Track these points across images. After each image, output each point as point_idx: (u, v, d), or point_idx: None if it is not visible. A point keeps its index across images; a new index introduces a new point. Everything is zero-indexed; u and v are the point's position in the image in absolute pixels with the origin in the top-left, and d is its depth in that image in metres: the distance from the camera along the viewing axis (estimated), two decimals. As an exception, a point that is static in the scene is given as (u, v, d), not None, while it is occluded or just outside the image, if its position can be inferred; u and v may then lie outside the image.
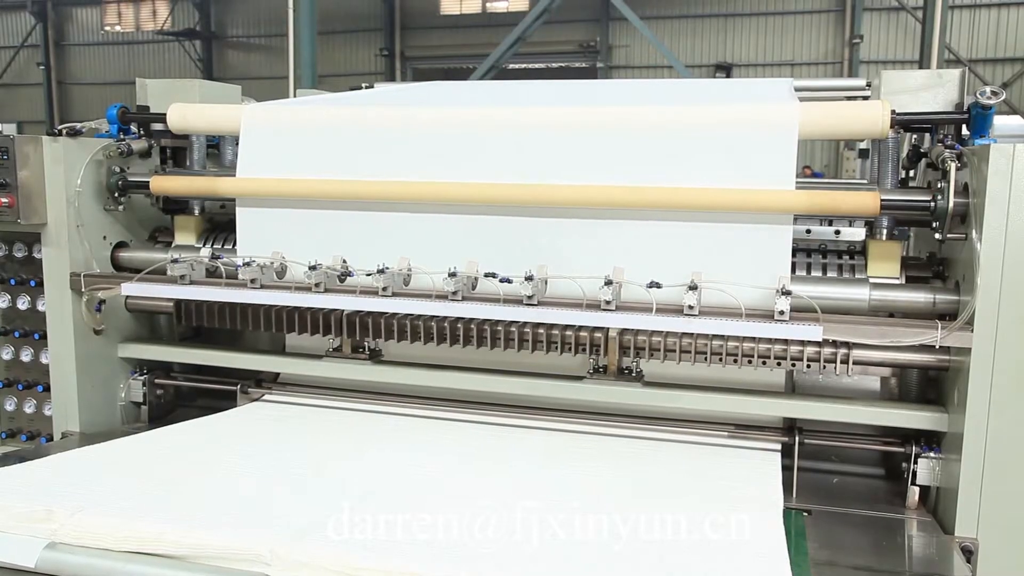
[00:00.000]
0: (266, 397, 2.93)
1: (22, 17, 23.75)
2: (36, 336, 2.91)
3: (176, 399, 3.15)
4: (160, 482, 2.10)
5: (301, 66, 11.60)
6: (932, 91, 2.60)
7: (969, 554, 2.10)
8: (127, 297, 2.88)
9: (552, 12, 14.13)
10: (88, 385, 2.89)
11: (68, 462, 2.29)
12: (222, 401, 2.94)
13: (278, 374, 2.98)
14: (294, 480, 2.16)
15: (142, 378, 3.03)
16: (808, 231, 2.64)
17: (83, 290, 2.81)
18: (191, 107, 2.93)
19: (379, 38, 21.09)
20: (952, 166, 2.19)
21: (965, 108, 2.46)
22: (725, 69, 18.66)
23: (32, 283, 2.89)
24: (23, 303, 2.92)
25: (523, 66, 18.70)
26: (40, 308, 2.88)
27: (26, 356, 2.95)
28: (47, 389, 2.91)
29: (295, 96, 4.15)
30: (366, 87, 3.59)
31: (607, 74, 19.16)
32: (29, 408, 2.97)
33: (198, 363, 3.00)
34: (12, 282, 2.92)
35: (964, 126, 2.41)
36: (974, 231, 2.11)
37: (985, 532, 2.11)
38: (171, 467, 2.25)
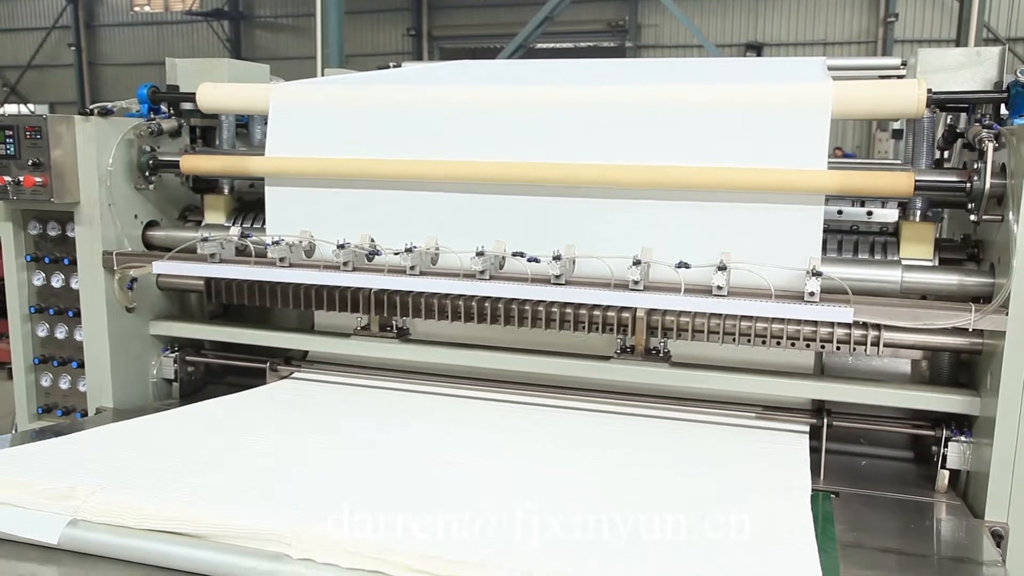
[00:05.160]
0: (295, 375, 2.96)
1: (53, -2, 23.98)
2: (70, 313, 2.95)
3: (207, 376, 3.19)
4: (184, 460, 2.12)
5: (329, 46, 11.59)
6: (970, 70, 2.55)
7: (999, 538, 2.08)
8: (158, 275, 2.92)
9: (580, -9, 13.99)
10: (121, 362, 2.94)
11: (94, 439, 2.31)
12: (252, 378, 2.98)
13: (307, 352, 3.01)
14: (319, 459, 2.18)
15: (173, 355, 3.07)
16: (840, 212, 2.61)
17: (115, 268, 2.84)
18: (220, 86, 2.94)
19: (406, 18, 21.02)
20: (990, 146, 2.15)
21: (1004, 87, 2.41)
22: (756, 49, 18.38)
23: (65, 261, 2.93)
24: (57, 281, 2.97)
25: (551, 46, 18.55)
26: (74, 286, 2.93)
27: (60, 333, 2.99)
28: (81, 365, 2.95)
29: (323, 76, 4.15)
30: (393, 66, 3.58)
31: (636, 54, 18.97)
32: (64, 384, 3.02)
33: (228, 341, 3.03)
34: (46, 260, 2.96)
35: (1003, 105, 2.37)
36: (1011, 212, 2.07)
37: (1016, 517, 2.09)
38: (196, 445, 2.27)
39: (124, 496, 1.81)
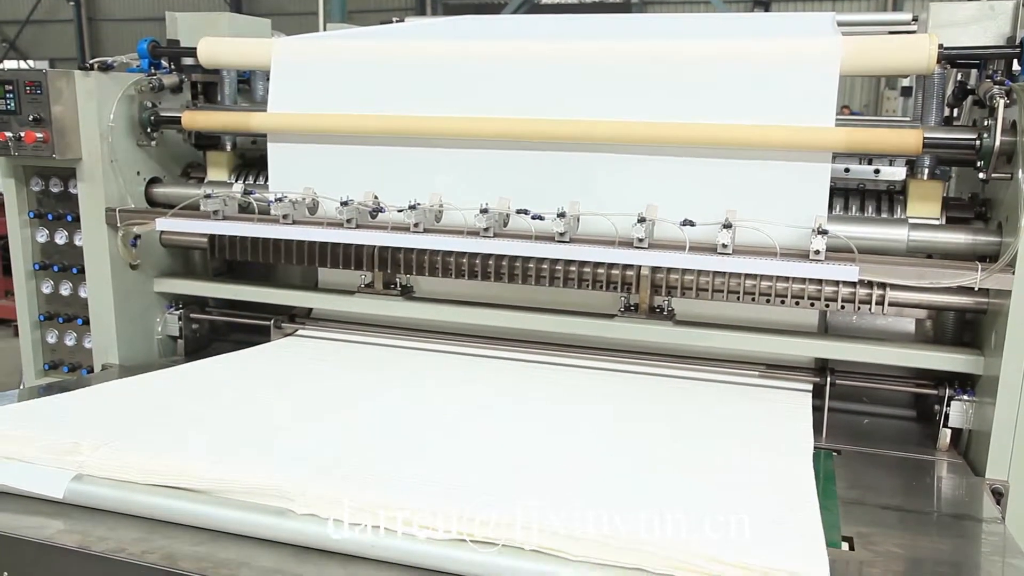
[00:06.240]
0: (299, 332, 2.97)
1: (52, -49, 23.61)
2: (74, 270, 2.95)
3: (211, 333, 3.20)
4: (188, 416, 2.13)
5: (331, 1, 11.45)
6: (982, 24, 2.50)
7: (999, 496, 2.09)
8: (162, 232, 2.91)
9: (586, -56, 13.75)
10: (126, 319, 2.94)
11: (99, 395, 2.32)
12: (256, 336, 2.99)
13: (311, 309, 3.01)
14: (323, 415, 2.19)
15: (178, 312, 3.08)
16: (847, 170, 2.59)
17: (119, 225, 2.84)
18: (221, 41, 2.90)
19: (409, -28, 20.71)
20: (1000, 103, 2.12)
21: (1017, 42, 2.37)
22: (764, 5, 18.11)
23: (69, 218, 2.92)
24: (61, 238, 2.96)
25: (556, 1, 18.29)
26: (77, 243, 2.92)
27: (65, 290, 3.00)
28: (86, 322, 2.96)
29: (325, 31, 4.09)
30: (396, 21, 3.53)
31: (642, 10, 18.68)
32: (69, 341, 3.03)
33: (232, 298, 3.04)
34: (50, 217, 2.96)
35: (1015, 61, 2.33)
36: (1020, 171, 2.06)
37: (1016, 475, 2.10)
38: (200, 401, 2.28)
39: (129, 451, 1.82)
